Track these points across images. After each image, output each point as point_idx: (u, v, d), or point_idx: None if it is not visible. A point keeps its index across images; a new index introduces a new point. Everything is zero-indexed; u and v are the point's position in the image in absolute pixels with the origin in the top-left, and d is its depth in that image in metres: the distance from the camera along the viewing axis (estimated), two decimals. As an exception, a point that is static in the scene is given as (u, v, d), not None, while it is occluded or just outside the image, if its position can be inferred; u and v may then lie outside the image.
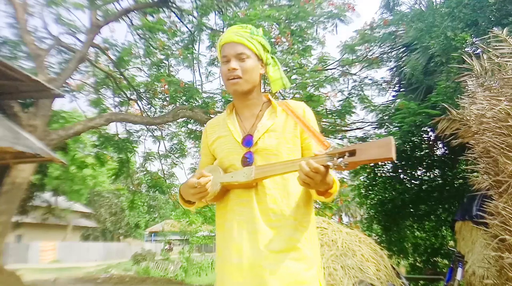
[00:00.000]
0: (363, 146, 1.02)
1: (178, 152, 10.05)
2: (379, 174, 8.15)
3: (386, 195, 8.07)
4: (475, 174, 3.14)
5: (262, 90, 1.55)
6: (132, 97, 9.46)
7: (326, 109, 7.60)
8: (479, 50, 4.31)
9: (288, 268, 1.22)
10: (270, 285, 1.19)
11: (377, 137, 7.22)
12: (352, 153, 1.03)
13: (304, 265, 1.25)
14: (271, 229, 1.26)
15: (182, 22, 8.55)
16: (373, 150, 1.00)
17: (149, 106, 9.54)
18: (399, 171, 7.95)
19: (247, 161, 1.33)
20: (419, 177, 7.99)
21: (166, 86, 8.06)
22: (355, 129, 8.01)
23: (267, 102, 1.47)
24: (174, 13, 8.52)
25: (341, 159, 1.05)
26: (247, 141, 1.36)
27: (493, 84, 2.99)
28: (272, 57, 1.47)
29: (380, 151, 0.98)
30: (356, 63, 7.71)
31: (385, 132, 7.14)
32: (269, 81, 1.48)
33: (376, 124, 7.65)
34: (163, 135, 9.95)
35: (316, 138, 1.28)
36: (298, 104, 1.45)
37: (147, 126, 9.16)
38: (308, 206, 1.36)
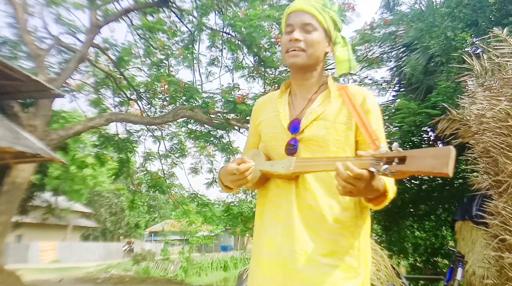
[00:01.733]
0: (416, 152, 0.85)
1: (178, 151, 10.05)
2: (379, 174, 8.13)
3: (386, 195, 8.06)
4: (475, 173, 3.14)
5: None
6: (132, 97, 9.46)
7: (326, 109, 7.59)
8: (479, 50, 4.31)
9: (323, 274, 1.08)
10: None
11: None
12: (402, 159, 0.87)
13: (344, 273, 1.11)
14: (308, 228, 1.13)
15: (182, 22, 8.55)
16: (427, 160, 0.83)
17: (149, 106, 9.55)
18: (399, 171, 7.93)
19: (291, 149, 1.20)
20: (419, 177, 7.98)
21: (166, 86, 8.06)
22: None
23: (325, 85, 1.30)
24: (174, 13, 8.52)
25: (386, 166, 0.88)
26: (294, 127, 1.22)
27: (493, 84, 2.99)
28: (342, 37, 1.31)
29: (435, 162, 0.81)
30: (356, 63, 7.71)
31: (385, 132, 7.13)
32: (334, 62, 1.32)
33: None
34: (163, 135, 9.95)
35: (367, 134, 1.11)
36: (359, 90, 1.26)
37: (147, 126, 9.16)
38: (360, 210, 1.19)
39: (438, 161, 0.81)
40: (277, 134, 1.24)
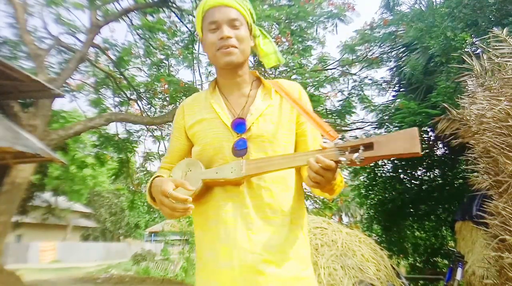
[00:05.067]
0: (382, 138, 0.87)
1: (178, 152, 10.03)
2: (379, 174, 8.15)
3: (386, 195, 8.07)
4: (475, 174, 3.14)
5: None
6: (132, 97, 9.46)
7: (326, 109, 7.60)
8: (479, 50, 4.31)
9: (286, 269, 1.06)
10: None
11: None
12: (369, 146, 0.87)
13: (302, 265, 1.11)
14: (268, 227, 1.08)
15: (182, 22, 8.55)
16: (396, 143, 0.84)
17: (149, 106, 9.56)
18: (399, 171, 7.95)
19: (238, 149, 1.12)
20: (419, 177, 8.00)
21: (166, 86, 8.06)
22: (355, 129, 8.02)
23: (257, 80, 1.25)
24: (174, 13, 8.52)
25: (357, 154, 0.87)
26: (239, 126, 1.14)
27: (493, 84, 2.98)
28: (259, 29, 1.27)
29: (404, 144, 0.83)
30: (356, 63, 7.71)
31: (385, 132, 7.14)
32: (259, 55, 1.27)
33: (376, 124, 7.65)
34: (163, 135, 9.95)
35: (320, 128, 1.07)
36: (292, 85, 1.24)
37: (147, 126, 9.16)
38: (302, 201, 1.19)
39: (407, 142, 0.83)
40: (221, 135, 1.15)
